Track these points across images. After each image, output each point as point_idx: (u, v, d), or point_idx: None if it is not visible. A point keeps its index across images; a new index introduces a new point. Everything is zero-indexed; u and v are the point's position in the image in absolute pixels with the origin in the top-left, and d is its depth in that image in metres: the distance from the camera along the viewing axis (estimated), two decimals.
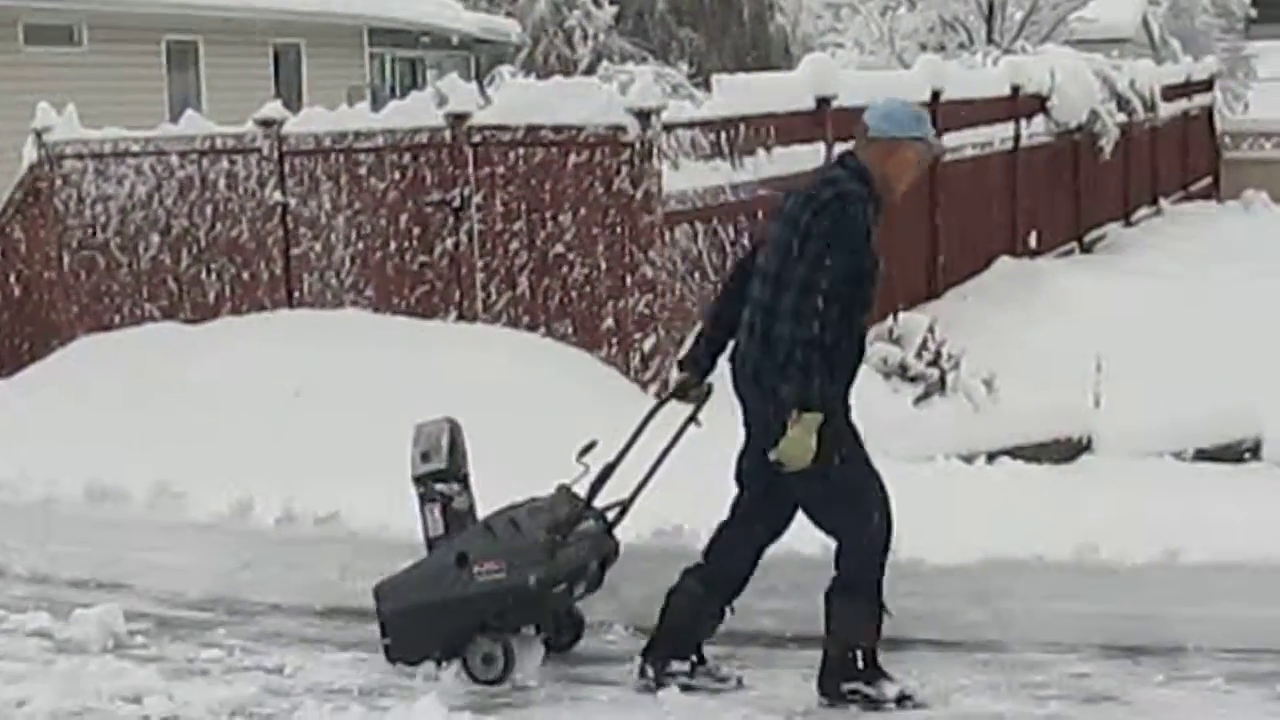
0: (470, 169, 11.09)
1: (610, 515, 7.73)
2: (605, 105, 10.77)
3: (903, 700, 7.06)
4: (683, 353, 7.81)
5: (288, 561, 8.95)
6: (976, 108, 16.50)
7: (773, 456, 6.94)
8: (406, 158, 11.34)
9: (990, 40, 23.41)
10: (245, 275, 12.06)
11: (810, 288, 6.78)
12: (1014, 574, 8.17)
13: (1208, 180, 28.29)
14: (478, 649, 7.53)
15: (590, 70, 21.06)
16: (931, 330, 12.19)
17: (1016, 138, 17.69)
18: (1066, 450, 11.47)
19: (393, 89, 28.67)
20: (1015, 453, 11.10)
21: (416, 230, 11.35)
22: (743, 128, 11.77)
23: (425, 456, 7.85)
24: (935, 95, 15.16)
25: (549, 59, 37.44)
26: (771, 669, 7.67)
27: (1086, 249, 20.36)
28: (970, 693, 7.25)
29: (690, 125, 11.21)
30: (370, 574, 8.62)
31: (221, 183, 12.09)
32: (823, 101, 12.78)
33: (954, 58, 21.80)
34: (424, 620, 7.58)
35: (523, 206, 11.00)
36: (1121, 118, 20.83)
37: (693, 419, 7.68)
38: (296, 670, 7.72)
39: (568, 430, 9.92)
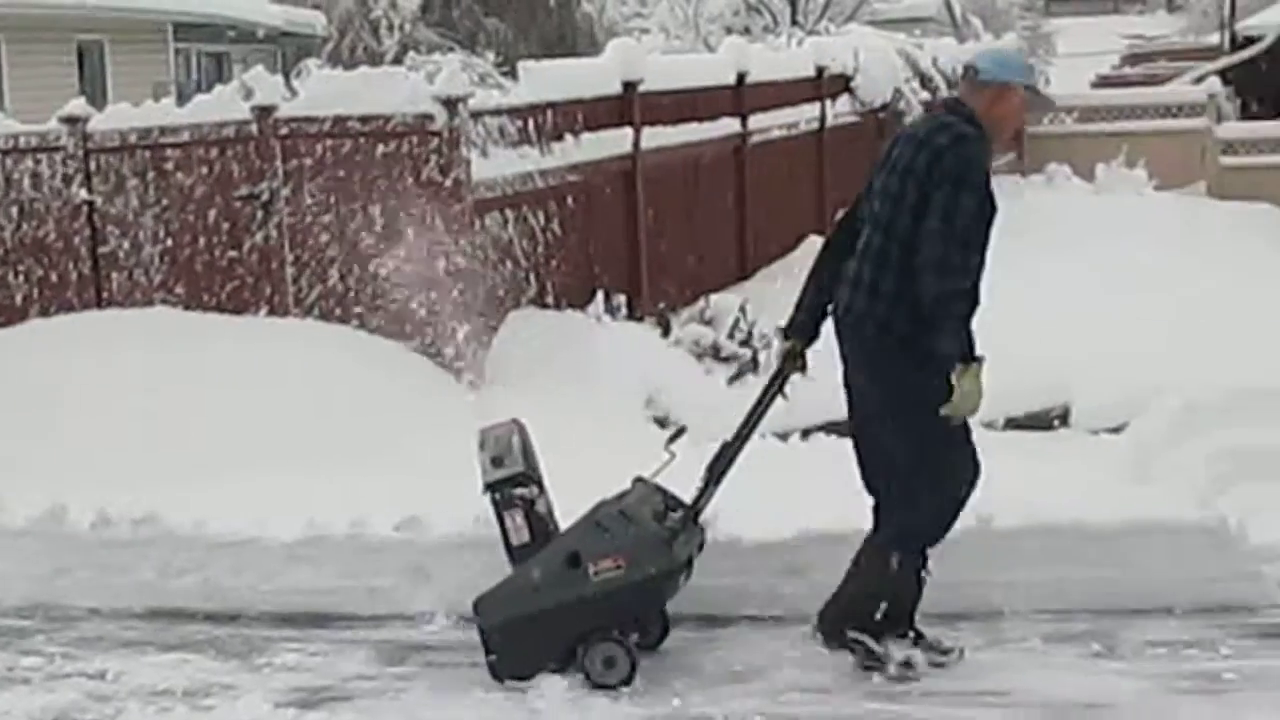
0: (278, 162, 11.02)
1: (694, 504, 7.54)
2: (412, 94, 10.74)
3: (905, 667, 7.03)
4: (784, 321, 7.61)
5: (105, 564, 8.81)
6: (782, 89, 16.65)
7: (945, 412, 6.78)
8: (213, 152, 11.23)
9: (795, 22, 23.60)
10: (53, 275, 11.89)
11: (947, 238, 6.61)
12: (830, 547, 8.26)
13: (1012, 155, 28.69)
14: (597, 653, 7.15)
15: (397, 61, 20.97)
16: (743, 311, 12.30)
17: (822, 118, 17.87)
18: None
19: (199, 84, 28.32)
20: (829, 428, 11.23)
21: (225, 225, 11.26)
22: (550, 114, 11.79)
23: (498, 461, 7.47)
24: (740, 78, 15.29)
25: (355, 51, 37.20)
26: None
27: None
28: (791, 666, 7.32)
29: (498, 113, 11.22)
30: (190, 573, 8.60)
31: (26, 182, 11.90)
32: (629, 86, 12.84)
33: (759, 40, 21.99)
34: (536, 630, 7.20)
35: (332, 198, 10.95)
36: (925, 95, 21.09)
37: (780, 391, 7.64)
38: (119, 674, 7.58)
39: (382, 422, 9.98)
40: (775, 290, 15.30)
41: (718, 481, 7.52)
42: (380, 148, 10.76)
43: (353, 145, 10.83)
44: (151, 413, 10.08)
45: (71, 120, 11.68)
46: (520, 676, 7.20)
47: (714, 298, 12.59)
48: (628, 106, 12.86)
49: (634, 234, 12.93)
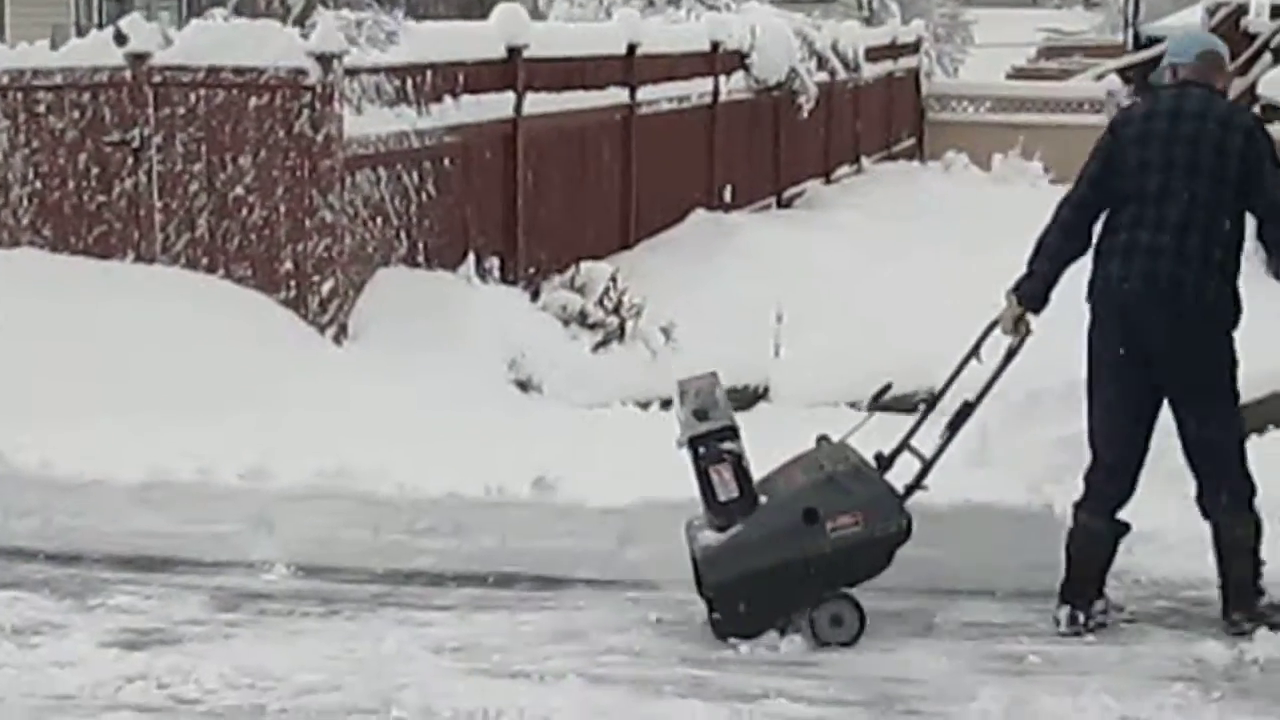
0: (150, 109, 10.99)
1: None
2: (287, 48, 10.74)
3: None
4: (1014, 284, 7.67)
5: None
6: (675, 62, 16.72)
7: None
8: (86, 97, 11.19)
9: None
10: None
11: None
12: (669, 514, 8.38)
13: (912, 140, 28.92)
14: (825, 611, 7.13)
15: (305, 15, 20.87)
16: (614, 279, 12.39)
17: (715, 93, 17.94)
18: (743, 398, 11.73)
19: (100, 28, 28.11)
20: None
21: (95, 170, 11.21)
22: (430, 75, 11.82)
23: (701, 414, 7.33)
24: (631, 49, 15.35)
25: (271, 3, 37.02)
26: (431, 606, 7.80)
27: (784, 205, 20.73)
28: (615, 629, 7.43)
29: (375, 71, 11.23)
30: (33, 514, 8.63)
31: None
32: (513, 51, 12.88)
33: (662, 12, 22.02)
34: (766, 587, 7.14)
35: (203, 148, 10.94)
36: (822, 77, 21.20)
37: (1015, 353, 7.63)
38: None
39: (241, 372, 10.03)
40: (657, 261, 15.45)
41: (946, 447, 7.57)
42: (253, 100, 10.76)
43: (226, 96, 10.82)
44: (8, 353, 10.05)
45: None
46: (746, 635, 7.16)
47: (585, 265, 12.66)
48: (511, 71, 12.89)
49: (512, 198, 12.98)
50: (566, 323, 11.81)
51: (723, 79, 18.14)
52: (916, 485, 7.41)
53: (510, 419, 10.23)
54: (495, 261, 12.26)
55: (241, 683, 6.66)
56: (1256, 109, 30.08)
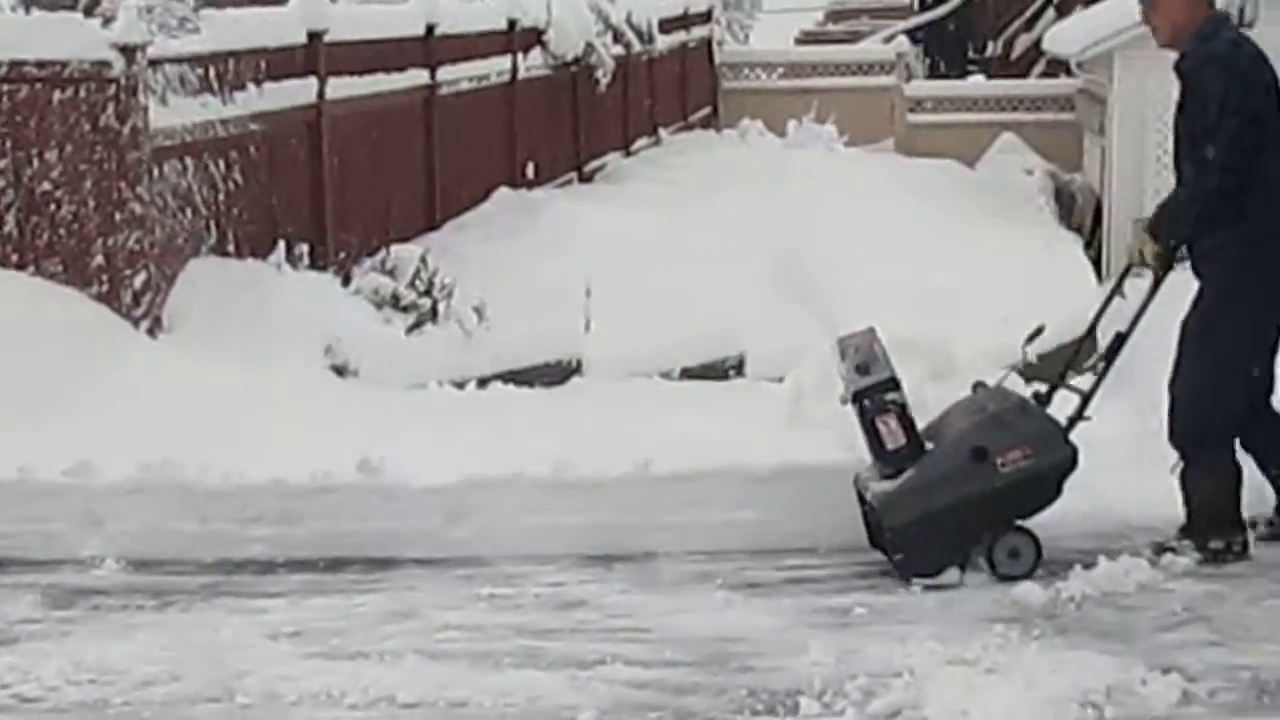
0: None
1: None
2: (90, 41, 10.67)
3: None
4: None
5: None
6: (472, 41, 16.76)
7: None
8: None
9: None
10: None
11: None
12: (494, 490, 8.55)
13: (707, 110, 29.13)
14: (1003, 545, 7.46)
15: (93, 3, 20.63)
16: (424, 261, 12.47)
17: (514, 71, 18.01)
18: (557, 373, 11.92)
19: None
20: (507, 377, 11.51)
21: None
22: (232, 62, 11.80)
23: (863, 368, 7.70)
24: (429, 29, 15.38)
25: None
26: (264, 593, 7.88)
27: (586, 179, 20.83)
28: (450, 606, 7.57)
29: (178, 61, 11.19)
30: None
31: None
32: (314, 36, 12.88)
33: None
34: (944, 526, 7.45)
35: (7, 144, 10.80)
36: (618, 50, 21.34)
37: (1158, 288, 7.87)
38: None
39: (56, 369, 10.00)
40: (464, 241, 15.52)
41: (1104, 376, 7.79)
42: (57, 94, 10.67)
43: (29, 91, 10.70)
44: None
45: None
46: (927, 574, 7.48)
47: (395, 248, 12.71)
48: (312, 56, 12.87)
49: (318, 183, 12.98)
50: (379, 306, 11.87)
51: (520, 56, 18.20)
52: (1079, 417, 7.73)
53: (330, 404, 10.30)
54: (305, 248, 12.27)
55: (82, 678, 6.71)
56: (1042, 63, 30.77)
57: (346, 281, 12.27)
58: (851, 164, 24.05)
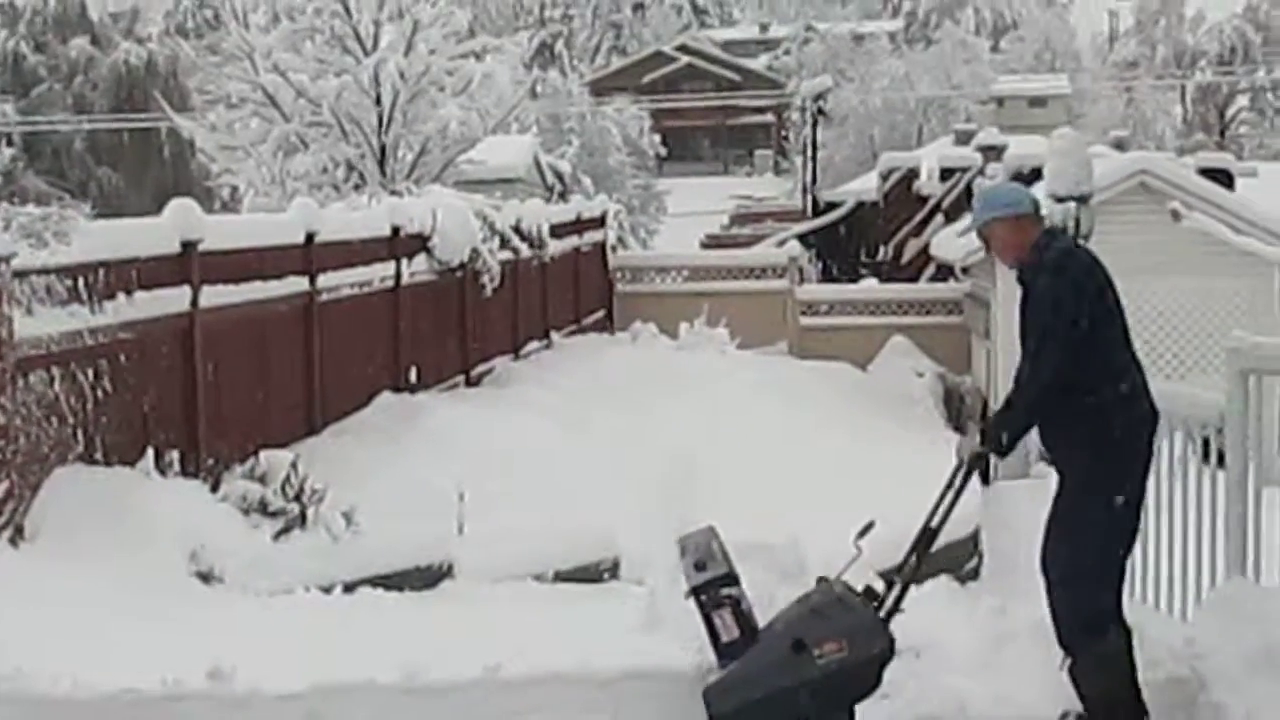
0: None
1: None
2: None
3: None
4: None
5: None
6: (354, 249, 16.96)
7: None
8: None
9: (381, 183, 24.03)
10: None
11: None
12: (345, 697, 8.53)
13: (601, 313, 29.45)
14: None
15: None
16: (294, 466, 12.52)
17: (398, 276, 18.21)
18: (428, 577, 11.93)
19: None
20: (376, 581, 11.52)
21: None
22: (103, 272, 11.91)
23: (701, 565, 7.92)
24: (309, 237, 15.56)
25: None
26: None
27: (473, 383, 21.00)
28: None
29: (45, 271, 11.29)
30: None
31: None
32: (187, 245, 13.01)
33: (347, 197, 22.31)
34: (766, 713, 7.62)
35: None
36: (505, 255, 21.61)
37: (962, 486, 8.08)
38: None
39: None
40: (343, 446, 15.60)
41: (917, 569, 8.00)
42: None
43: None
44: None
45: None
46: None
47: (265, 454, 12.77)
48: (186, 265, 13.01)
49: (191, 390, 13.06)
50: (247, 512, 11.91)
51: (405, 262, 18.43)
52: (896, 609, 7.87)
53: (190, 611, 10.29)
54: (176, 454, 12.32)
55: None
56: (931, 268, 31.33)
57: (216, 488, 12.30)
58: (743, 367, 24.35)
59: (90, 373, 11.80)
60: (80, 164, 54.43)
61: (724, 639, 7.86)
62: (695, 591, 7.92)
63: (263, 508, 11.94)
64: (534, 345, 24.43)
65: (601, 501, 14.60)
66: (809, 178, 46.62)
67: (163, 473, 12.01)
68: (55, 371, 11.41)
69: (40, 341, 11.17)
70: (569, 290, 27.20)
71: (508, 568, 12.40)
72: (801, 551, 9.76)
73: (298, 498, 12.22)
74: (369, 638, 9.53)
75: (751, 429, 19.02)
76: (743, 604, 7.89)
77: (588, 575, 12.59)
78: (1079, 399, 7.83)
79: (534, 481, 15.17)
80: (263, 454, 12.76)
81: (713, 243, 49.38)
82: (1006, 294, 16.84)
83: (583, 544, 13.03)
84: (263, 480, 12.31)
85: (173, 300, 12.86)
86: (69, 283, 11.59)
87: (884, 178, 37.20)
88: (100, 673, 8.67)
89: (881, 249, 36.27)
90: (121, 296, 12.14)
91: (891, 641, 7.79)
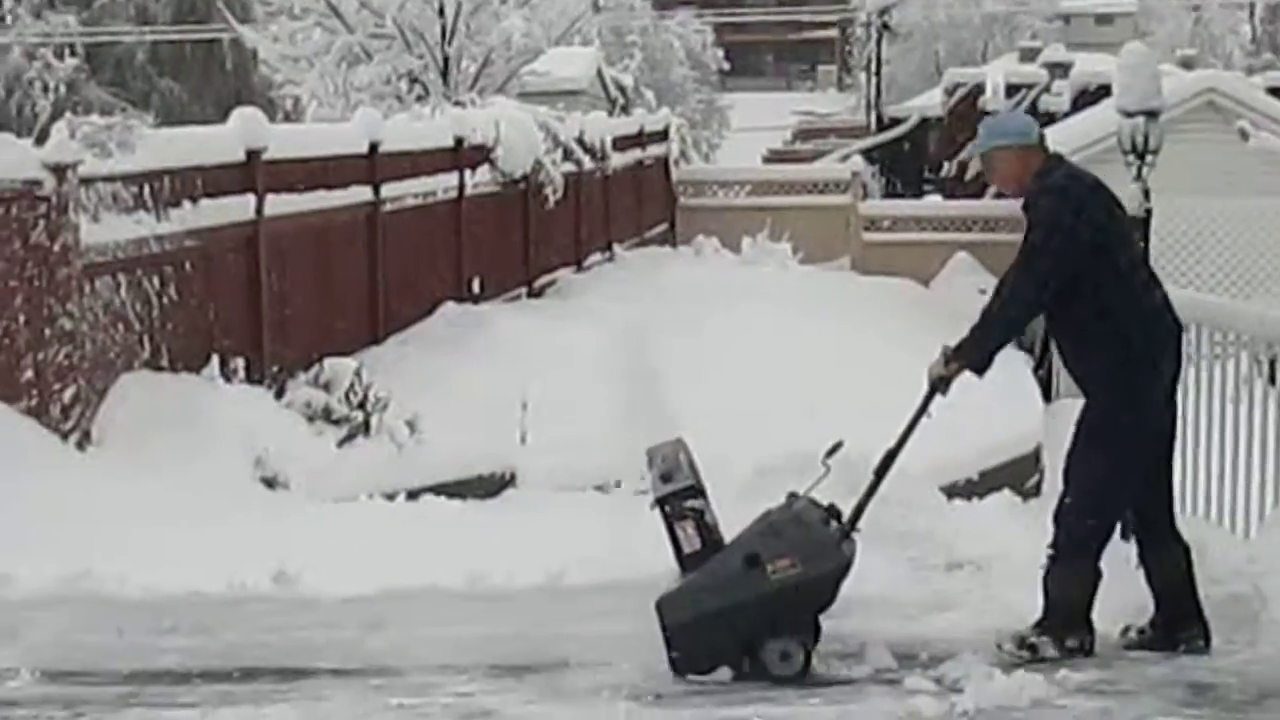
0: None
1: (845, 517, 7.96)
2: (21, 160, 10.83)
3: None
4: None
5: None
6: (418, 159, 16.98)
7: None
8: None
9: (445, 94, 23.99)
10: None
11: None
12: (408, 601, 8.62)
13: (664, 226, 29.39)
14: (774, 647, 7.64)
15: (52, 121, 20.82)
16: (358, 374, 12.59)
17: (461, 187, 18.22)
18: (490, 485, 12.01)
19: None
20: (438, 490, 11.60)
21: None
22: (168, 181, 11.96)
23: (667, 476, 7.99)
24: (373, 147, 15.58)
25: (22, 111, 36.69)
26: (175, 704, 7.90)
27: (536, 294, 21.03)
28: (360, 717, 7.59)
29: (111, 179, 11.36)
30: None
31: None
32: (252, 154, 13.06)
33: (409, 109, 22.29)
34: (716, 627, 7.68)
35: None
36: (568, 167, 21.58)
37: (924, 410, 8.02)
38: None
39: None
40: (406, 355, 15.67)
41: (875, 489, 8.02)
42: None
43: None
44: None
45: None
46: (700, 671, 7.73)
47: (330, 361, 12.84)
48: (251, 173, 13.06)
49: (256, 298, 13.13)
50: (311, 419, 11.99)
51: (468, 173, 18.43)
52: (852, 528, 7.95)
53: (255, 516, 10.39)
54: (240, 362, 12.40)
55: None
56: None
57: (280, 395, 12.37)
58: (805, 282, 24.27)
59: (156, 280, 11.88)
60: (142, 75, 54.52)
61: (686, 550, 7.90)
62: (660, 502, 7.96)
63: (327, 415, 12.02)
64: (597, 258, 24.43)
65: (667, 411, 14.61)
66: (873, 93, 46.36)
67: (228, 379, 12.11)
68: (121, 278, 11.50)
69: (106, 248, 11.25)
70: (632, 203, 27.15)
71: (570, 477, 12.47)
72: (865, 464, 9.79)
73: (361, 405, 12.30)
74: (432, 544, 9.61)
75: (811, 342, 18.98)
76: (706, 516, 7.93)
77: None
78: (1097, 320, 7.82)
79: (594, 392, 15.20)
80: (327, 362, 12.83)
81: (775, 158, 49.26)
82: None
83: (642, 455, 13.02)
84: (327, 388, 12.39)
85: (237, 209, 12.92)
86: (135, 190, 11.66)
87: (949, 94, 36.98)
88: (167, 575, 8.78)
89: (945, 165, 36.06)
90: (187, 205, 12.21)
91: (845, 561, 7.84)
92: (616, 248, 25.59)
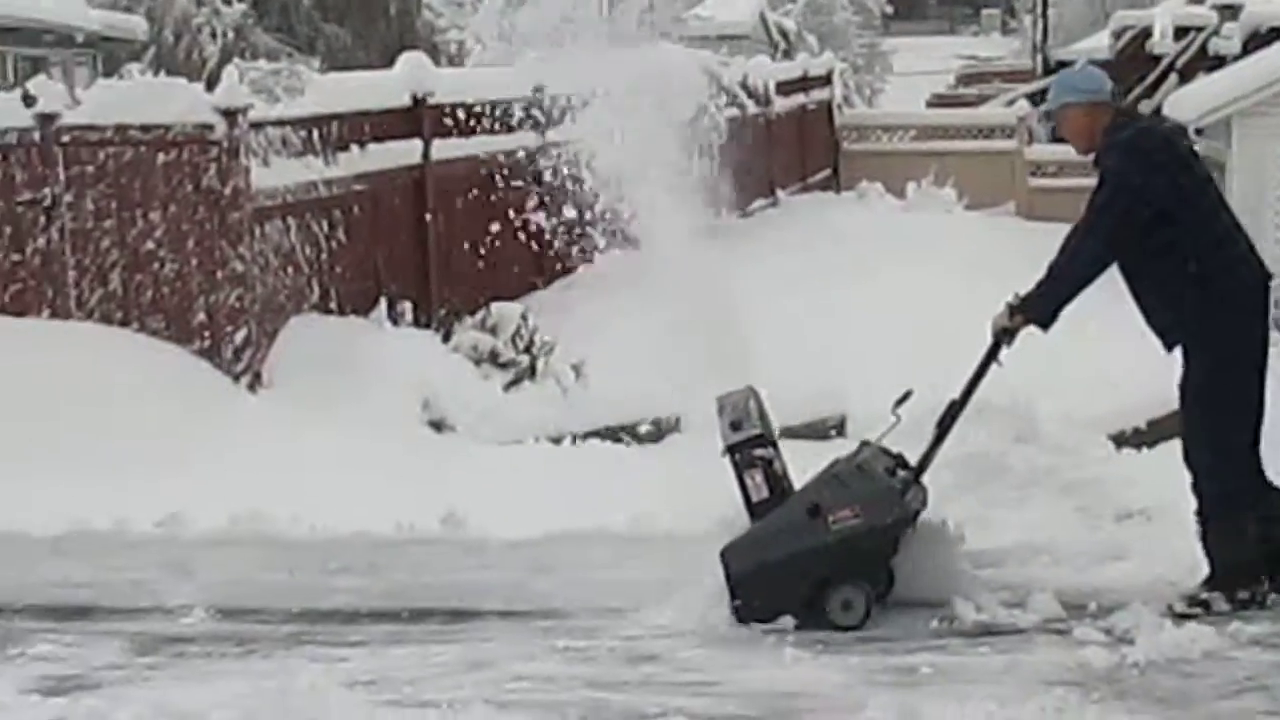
0: (60, 168, 11.19)
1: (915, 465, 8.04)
2: (193, 105, 10.96)
3: None
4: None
5: None
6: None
7: None
8: None
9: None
10: None
11: None
12: (575, 544, 8.65)
13: (827, 172, 29.17)
14: (837, 596, 7.72)
15: (221, 67, 21.00)
16: (524, 318, 12.61)
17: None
18: (654, 431, 11.99)
19: (14, 88, 28.18)
20: (605, 433, 11.61)
21: (8, 229, 11.39)
22: (336, 125, 12.05)
23: (736, 425, 8.10)
24: (537, 91, 15.56)
25: (190, 56, 37.07)
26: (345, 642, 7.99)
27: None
28: (524, 657, 7.64)
29: (281, 123, 11.46)
30: None
31: None
32: (419, 99, 13.11)
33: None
34: (779, 576, 7.77)
35: (113, 205, 11.14)
36: (732, 112, 21.46)
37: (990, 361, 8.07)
38: None
39: (156, 423, 10.22)
40: (573, 299, 15.66)
41: (941, 440, 8.06)
42: (161, 156, 10.99)
43: (134, 153, 11.04)
44: None
45: None
46: (763, 619, 7.80)
47: (496, 305, 12.88)
48: (417, 118, 13.13)
49: (422, 242, 13.21)
50: (478, 363, 12.04)
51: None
52: (915, 481, 7.97)
53: (423, 459, 10.46)
54: (408, 305, 12.48)
55: None
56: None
57: (447, 338, 12.44)
58: (971, 227, 24.00)
59: (324, 223, 11.98)
60: (307, 20, 54.83)
61: (754, 498, 7.99)
62: (729, 450, 8.03)
63: (493, 359, 12.07)
64: (760, 203, 24.28)
65: (830, 357, 14.51)
66: (1039, 36, 45.63)
67: (395, 323, 12.20)
68: (291, 222, 11.62)
69: (276, 192, 11.36)
70: (795, 148, 26.95)
71: None
72: (1033, 413, 9.70)
73: (528, 349, 12.33)
74: (597, 487, 9.63)
75: (977, 289, 18.77)
76: (775, 464, 8.00)
77: (815, 432, 12.53)
78: (1177, 271, 7.76)
79: (761, 335, 15.09)
80: (493, 305, 12.86)
81: (939, 102, 48.68)
82: (1243, 157, 16.37)
83: (811, 401, 12.96)
84: (493, 331, 12.42)
85: (404, 153, 12.97)
86: (303, 135, 11.75)
87: (1116, 36, 36.33)
88: (336, 516, 8.87)
89: None
90: (354, 149, 12.28)
91: (908, 511, 7.87)
92: (780, 193, 25.41)
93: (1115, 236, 7.73)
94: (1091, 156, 8.04)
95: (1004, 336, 7.97)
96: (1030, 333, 7.97)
